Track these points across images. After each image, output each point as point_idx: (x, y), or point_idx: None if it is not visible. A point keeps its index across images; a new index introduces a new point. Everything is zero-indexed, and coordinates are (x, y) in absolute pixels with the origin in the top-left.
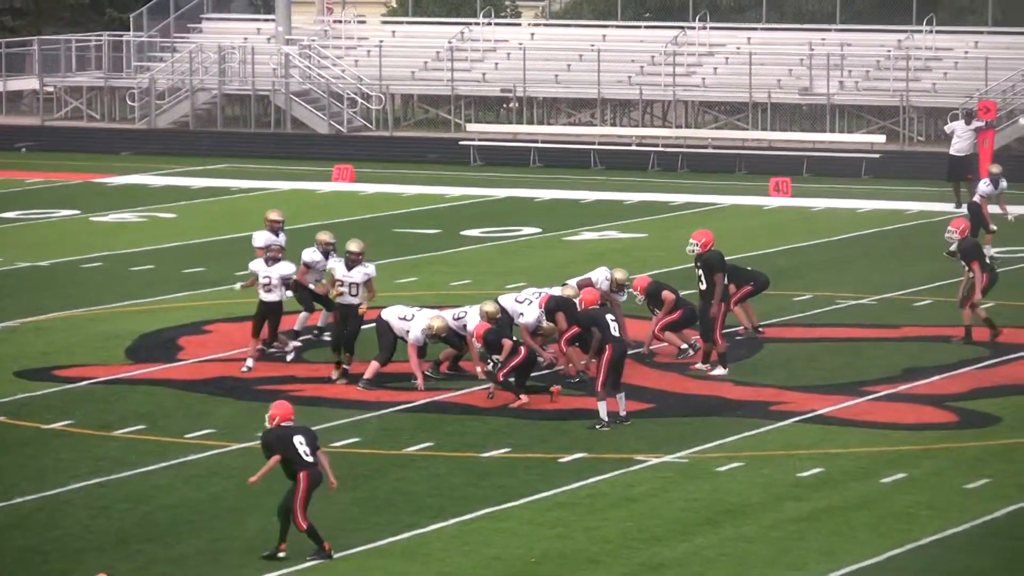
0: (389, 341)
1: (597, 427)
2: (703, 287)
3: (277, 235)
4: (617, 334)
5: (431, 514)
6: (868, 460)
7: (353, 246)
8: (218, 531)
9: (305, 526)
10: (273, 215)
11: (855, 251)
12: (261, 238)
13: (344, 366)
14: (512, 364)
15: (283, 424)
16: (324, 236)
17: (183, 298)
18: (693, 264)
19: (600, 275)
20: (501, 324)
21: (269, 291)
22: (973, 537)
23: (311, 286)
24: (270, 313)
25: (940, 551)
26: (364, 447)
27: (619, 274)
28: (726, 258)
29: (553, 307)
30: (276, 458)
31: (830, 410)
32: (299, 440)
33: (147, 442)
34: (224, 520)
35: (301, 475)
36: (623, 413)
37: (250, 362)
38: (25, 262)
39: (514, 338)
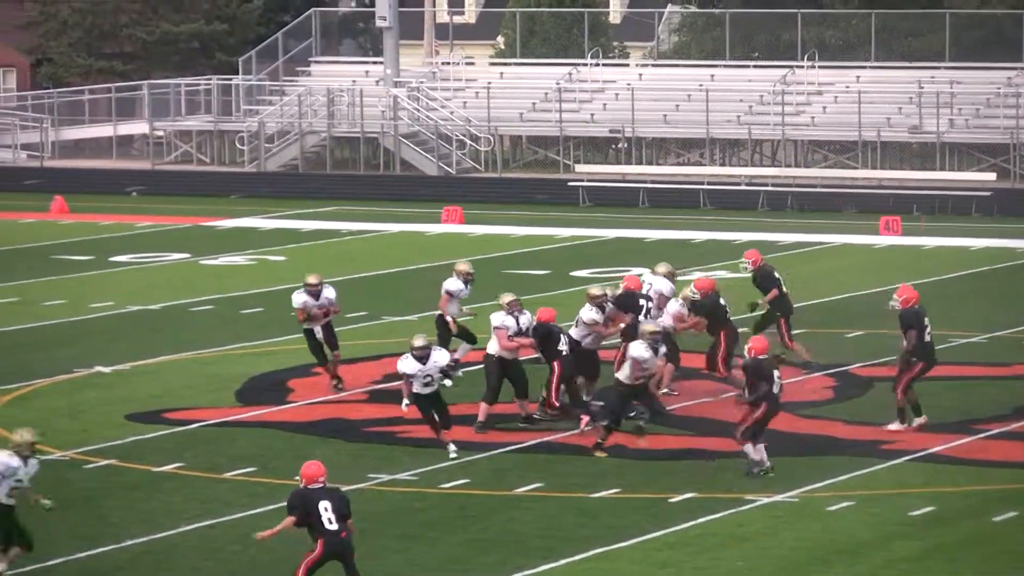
0: (495, 380)
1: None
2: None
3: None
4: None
5: (540, 554)
6: (979, 498)
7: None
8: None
9: None
10: (463, 266)
11: (966, 289)
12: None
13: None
14: (553, 383)
15: (310, 487)
16: (463, 266)
17: (293, 340)
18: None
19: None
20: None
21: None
22: None
23: (448, 319)
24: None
25: None
26: (474, 488)
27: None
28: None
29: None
30: (290, 519)
31: (941, 448)
32: (325, 506)
33: (257, 484)
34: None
35: (319, 542)
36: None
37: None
38: (136, 305)
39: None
